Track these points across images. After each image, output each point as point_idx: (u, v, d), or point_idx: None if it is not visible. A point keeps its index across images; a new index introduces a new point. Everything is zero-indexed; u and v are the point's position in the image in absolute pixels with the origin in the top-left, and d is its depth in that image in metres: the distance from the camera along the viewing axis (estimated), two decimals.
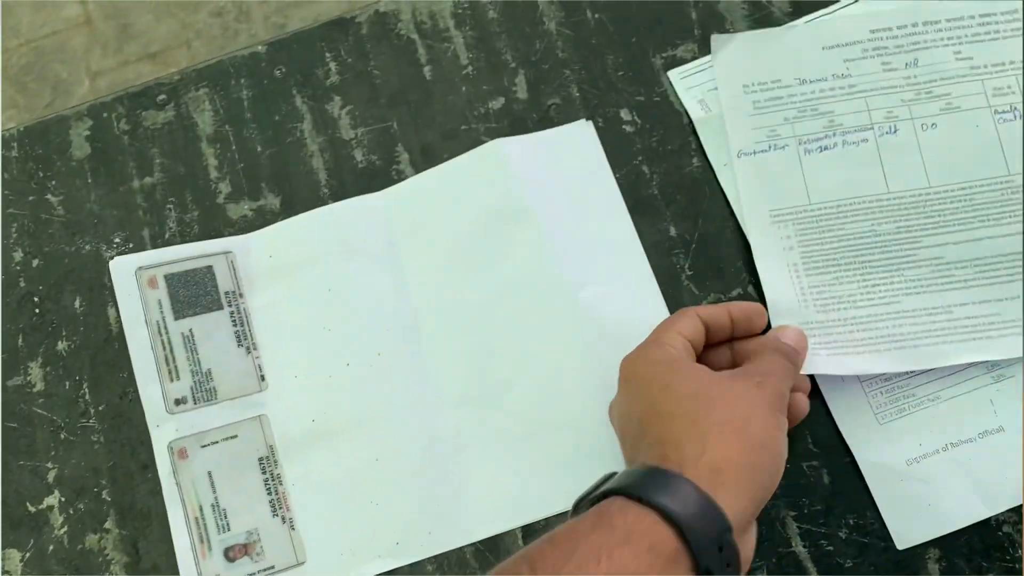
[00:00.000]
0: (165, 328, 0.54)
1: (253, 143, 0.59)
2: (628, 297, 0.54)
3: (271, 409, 0.53)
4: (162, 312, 0.54)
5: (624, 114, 0.57)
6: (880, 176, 0.54)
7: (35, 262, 0.58)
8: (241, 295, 0.55)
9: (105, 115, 0.61)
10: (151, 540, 0.52)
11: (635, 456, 0.42)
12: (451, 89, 0.59)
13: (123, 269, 0.54)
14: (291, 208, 0.57)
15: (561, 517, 0.51)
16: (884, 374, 0.51)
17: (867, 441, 0.50)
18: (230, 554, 0.51)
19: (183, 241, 0.57)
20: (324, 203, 0.57)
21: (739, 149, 0.55)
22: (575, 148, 0.57)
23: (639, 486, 0.38)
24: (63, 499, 0.53)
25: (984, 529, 0.49)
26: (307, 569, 0.51)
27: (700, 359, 0.47)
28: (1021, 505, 0.49)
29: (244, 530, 0.51)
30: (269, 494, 0.52)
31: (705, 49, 0.58)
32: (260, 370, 0.54)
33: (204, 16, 1.57)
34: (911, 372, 0.51)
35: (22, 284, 0.57)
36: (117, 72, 1.57)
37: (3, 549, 0.53)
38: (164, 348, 0.53)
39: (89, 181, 0.59)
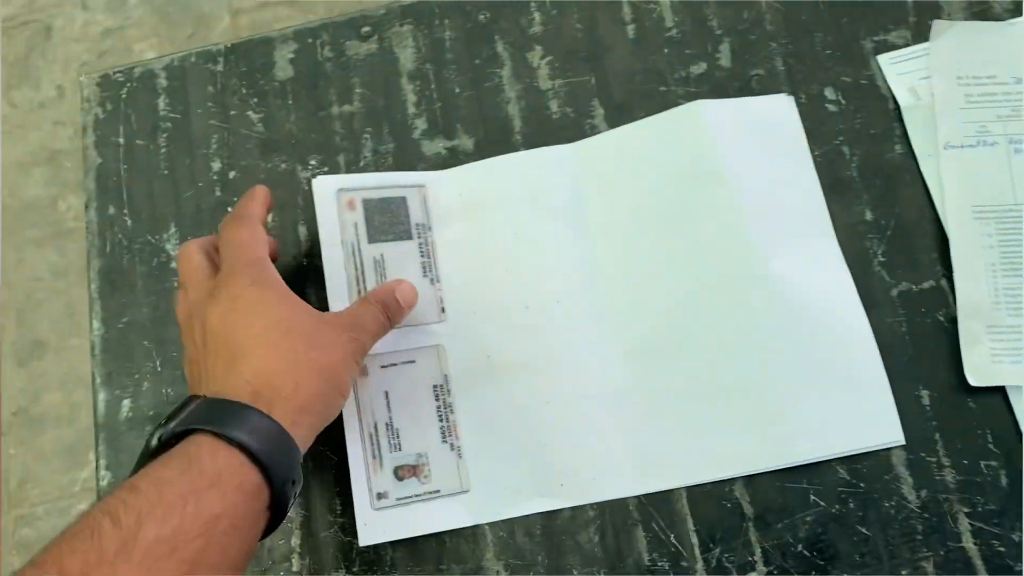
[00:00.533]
0: (359, 251, 0.55)
1: (452, 84, 0.60)
2: (817, 276, 0.53)
3: (448, 340, 0.54)
4: (357, 235, 0.55)
5: (829, 93, 0.57)
6: None
7: (232, 174, 0.60)
8: (430, 228, 0.56)
9: (310, 40, 0.62)
10: (327, 449, 0.54)
11: (221, 379, 0.42)
12: (653, 50, 0.59)
13: (325, 189, 0.56)
14: (483, 151, 0.58)
15: (726, 483, 0.51)
16: None
17: None
18: (399, 472, 0.52)
19: (376, 171, 0.59)
20: (516, 150, 0.58)
21: (947, 141, 0.54)
22: (775, 120, 0.56)
23: (228, 424, 0.39)
24: None
25: None
26: (470, 497, 0.52)
27: None
28: None
29: (414, 452, 0.52)
30: (440, 421, 0.53)
31: (918, 37, 0.57)
32: (441, 302, 0.55)
33: None
34: None
35: (218, 193, 0.60)
36: (257, 13, 1.60)
37: None
38: (356, 269, 0.55)
39: (290, 103, 0.61)
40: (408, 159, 0.59)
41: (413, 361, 0.54)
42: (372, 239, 0.56)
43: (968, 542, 0.49)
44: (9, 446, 1.38)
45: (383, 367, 0.54)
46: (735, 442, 0.51)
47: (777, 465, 0.51)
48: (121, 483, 0.38)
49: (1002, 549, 0.49)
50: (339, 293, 0.55)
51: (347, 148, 0.60)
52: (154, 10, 1.61)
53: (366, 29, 0.62)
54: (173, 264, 0.58)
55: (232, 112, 0.61)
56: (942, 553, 0.49)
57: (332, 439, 0.52)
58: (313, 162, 0.59)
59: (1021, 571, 0.48)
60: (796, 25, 0.59)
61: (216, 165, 0.60)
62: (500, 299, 0.55)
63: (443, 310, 0.55)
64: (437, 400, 0.54)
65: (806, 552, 0.50)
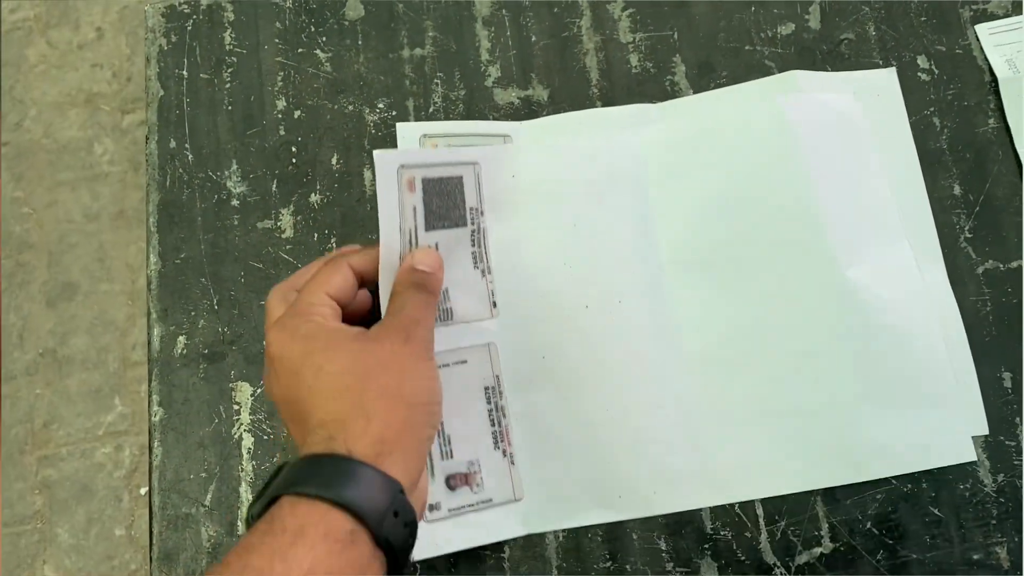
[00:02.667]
0: (416, 239, 0.50)
1: (528, 32, 0.58)
2: (904, 282, 0.51)
3: (501, 338, 0.51)
4: (416, 221, 0.50)
5: (921, 61, 0.55)
6: None
7: (297, 113, 0.59)
8: (482, 213, 0.51)
9: None
10: None
11: (305, 440, 0.41)
12: (740, 7, 0.57)
13: (386, 164, 0.50)
14: (558, 102, 0.57)
15: (797, 496, 0.50)
16: None
17: None
18: (451, 482, 0.49)
19: (446, 118, 0.57)
20: (592, 103, 0.57)
21: None
22: (875, 100, 0.54)
23: (304, 482, 0.38)
24: None
25: None
26: (524, 507, 0.50)
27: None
28: None
29: (466, 459, 0.49)
30: (493, 425, 0.50)
31: (1019, 7, 0.55)
32: (492, 296, 0.51)
33: None
34: None
35: (282, 132, 0.58)
36: None
37: (236, 381, 0.54)
38: None
39: (359, 43, 0.59)
40: (479, 107, 0.57)
41: (465, 361, 0.50)
42: (429, 226, 0.50)
43: None
44: (36, 386, 1.38)
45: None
46: (804, 460, 0.49)
47: (846, 481, 0.49)
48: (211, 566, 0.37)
49: None
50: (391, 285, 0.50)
51: (417, 92, 0.58)
52: None
53: None
54: (235, 202, 0.57)
55: (300, 50, 0.60)
56: (1016, 540, 0.48)
57: None
58: (381, 105, 0.58)
59: None
60: None
61: (281, 103, 0.59)
62: (557, 295, 0.51)
63: (495, 304, 0.51)
64: (489, 403, 0.50)
65: (875, 529, 0.49)
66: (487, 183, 0.51)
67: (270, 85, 0.59)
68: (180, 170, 0.58)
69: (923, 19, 0.56)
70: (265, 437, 0.53)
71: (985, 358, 0.50)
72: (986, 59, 0.54)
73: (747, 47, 0.57)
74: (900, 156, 0.53)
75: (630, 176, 0.53)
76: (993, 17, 0.55)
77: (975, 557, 0.48)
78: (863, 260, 0.50)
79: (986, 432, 0.49)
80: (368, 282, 0.48)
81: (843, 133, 0.53)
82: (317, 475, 0.38)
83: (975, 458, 0.49)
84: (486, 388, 0.50)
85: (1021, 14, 0.55)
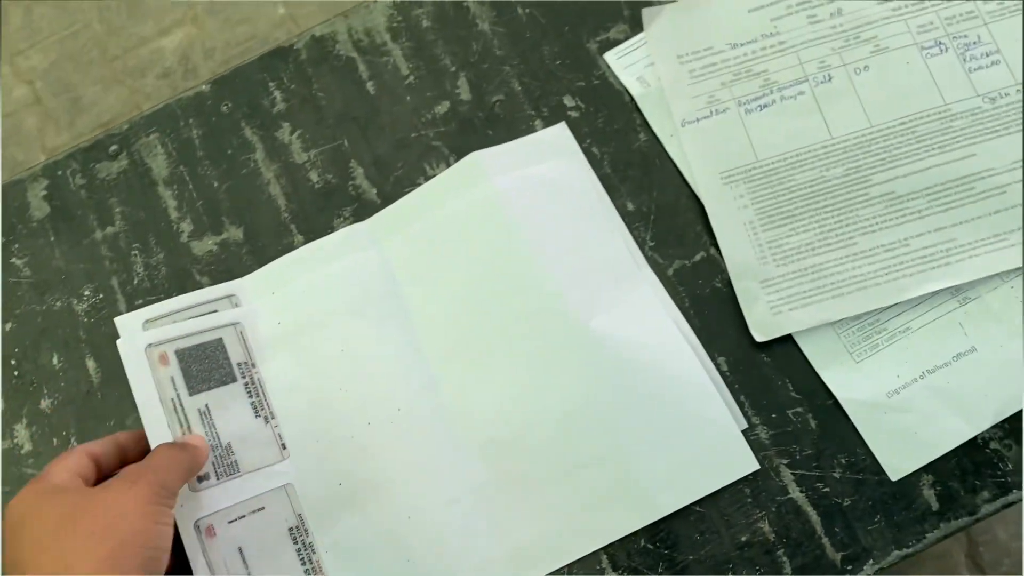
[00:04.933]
0: (181, 405, 0.52)
1: (209, 179, 0.60)
2: (639, 325, 0.53)
3: (296, 477, 0.51)
4: (176, 389, 0.52)
5: (567, 100, 0.59)
6: (822, 124, 0.55)
7: (8, 326, 0.58)
8: (254, 365, 0.53)
9: (60, 173, 0.61)
10: None
11: None
12: (396, 100, 0.60)
13: (131, 345, 0.52)
14: (255, 237, 0.58)
15: (596, 555, 0.51)
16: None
17: (846, 380, 0.51)
18: None
19: (152, 286, 0.58)
20: (286, 228, 0.58)
21: (682, 118, 0.56)
22: (555, 156, 0.57)
23: None
24: None
25: (972, 448, 0.50)
26: None
27: None
28: (1004, 421, 0.50)
29: None
30: (303, 564, 0.50)
31: (636, 28, 0.59)
32: (280, 439, 0.52)
33: (151, 79, 1.58)
34: (879, 308, 0.52)
35: None
36: (73, 146, 1.57)
37: None
38: (181, 425, 0.51)
39: (52, 239, 0.60)
40: (181, 264, 0.58)
41: (263, 508, 0.51)
42: (193, 390, 0.52)
43: (795, 491, 0.50)
44: None
45: (230, 522, 0.50)
46: (600, 513, 0.50)
47: (643, 524, 0.50)
48: None
49: (827, 489, 0.50)
50: None
51: (118, 269, 0.58)
52: None
53: (113, 148, 0.61)
54: None
55: None
56: (774, 509, 0.50)
57: None
58: (87, 292, 0.58)
59: (844, 506, 0.50)
60: (523, 43, 0.60)
61: None
62: (341, 422, 0.53)
63: (284, 447, 0.52)
64: (296, 543, 0.50)
65: (648, 545, 0.50)
66: (252, 336, 0.54)
67: None
68: None
69: (558, 63, 0.60)
70: None
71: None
72: (621, 82, 0.58)
73: (412, 134, 0.59)
74: (604, 228, 0.55)
75: (381, 290, 0.55)
76: (616, 43, 0.59)
77: (743, 539, 0.50)
78: (602, 309, 0.53)
79: (745, 426, 0.52)
80: (108, 463, 0.48)
81: (553, 198, 0.56)
82: None
83: (758, 467, 0.51)
84: (290, 529, 0.51)
85: (639, 33, 0.59)
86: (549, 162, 0.57)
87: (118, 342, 0.52)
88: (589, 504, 0.51)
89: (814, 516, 0.50)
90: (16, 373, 0.57)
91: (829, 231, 0.53)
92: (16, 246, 0.60)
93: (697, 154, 0.56)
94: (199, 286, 0.57)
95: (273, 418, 0.53)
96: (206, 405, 0.52)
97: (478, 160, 0.57)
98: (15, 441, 0.56)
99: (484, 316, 0.54)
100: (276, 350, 0.54)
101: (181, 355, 0.52)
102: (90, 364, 0.57)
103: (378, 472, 0.52)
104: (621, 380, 0.52)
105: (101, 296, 0.58)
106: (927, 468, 0.50)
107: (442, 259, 0.55)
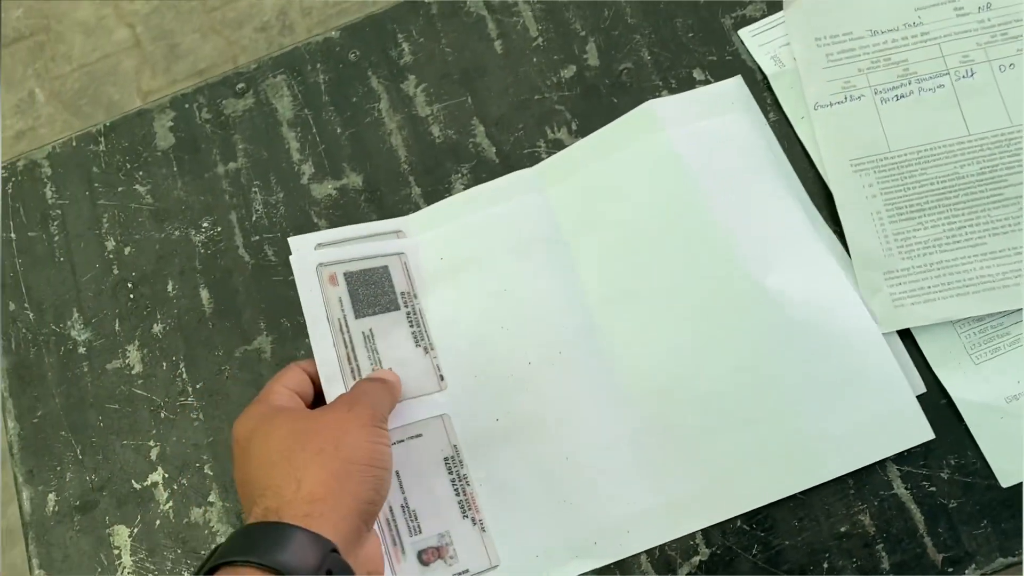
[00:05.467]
0: (346, 326, 0.53)
1: (332, 125, 0.61)
2: (816, 285, 0.52)
3: (452, 408, 0.52)
4: (343, 310, 0.53)
5: (697, 74, 0.58)
6: (959, 119, 0.54)
7: (127, 250, 0.60)
8: (416, 296, 0.55)
9: (187, 106, 0.62)
10: None
11: (250, 513, 0.43)
12: (522, 61, 0.60)
13: (304, 263, 0.54)
14: (372, 185, 0.59)
15: (759, 512, 0.50)
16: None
17: (963, 381, 0.50)
18: (424, 557, 0.50)
19: (270, 224, 0.59)
20: (405, 179, 0.58)
21: (815, 102, 0.55)
22: (732, 110, 0.56)
23: (236, 551, 0.39)
24: (167, 475, 0.55)
25: None
26: (502, 571, 0.50)
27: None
28: None
29: (436, 532, 0.50)
30: (457, 495, 0.51)
31: (774, 6, 0.59)
32: (439, 370, 0.53)
33: (249, 32, 1.61)
34: (1004, 311, 0.51)
35: (115, 271, 0.59)
36: (167, 91, 1.60)
37: (112, 526, 0.54)
38: (346, 347, 0.53)
39: (175, 169, 0.61)
40: (300, 205, 0.59)
41: (420, 435, 0.52)
42: (359, 314, 0.54)
43: (899, 488, 0.49)
44: None
45: (392, 444, 0.50)
46: (762, 471, 0.50)
47: (807, 486, 0.50)
48: None
49: (933, 489, 0.49)
50: (331, 370, 0.52)
51: (237, 204, 0.59)
52: (64, 106, 1.61)
53: (241, 86, 0.62)
54: (81, 349, 0.58)
55: (119, 188, 0.61)
56: (876, 503, 0.49)
57: None
58: (205, 224, 0.59)
59: (950, 507, 0.49)
60: (656, 13, 0.60)
61: (110, 244, 0.60)
62: (500, 359, 0.53)
63: (442, 378, 0.53)
64: (451, 473, 0.51)
65: (745, 527, 0.50)
66: (415, 268, 0.55)
67: (97, 229, 0.60)
68: (24, 330, 0.59)
69: (691, 35, 0.59)
70: (150, 575, 0.53)
71: None
72: (754, 60, 0.58)
73: (536, 96, 0.59)
74: (778, 183, 0.55)
75: (545, 235, 0.55)
76: (752, 20, 0.59)
77: (842, 529, 0.49)
78: (778, 267, 0.52)
79: (923, 390, 0.50)
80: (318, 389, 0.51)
81: (730, 153, 0.55)
82: (249, 543, 0.39)
83: (932, 436, 0.49)
84: (445, 459, 0.52)
85: (777, 12, 0.58)
86: (726, 115, 0.56)
87: (291, 258, 0.54)
88: (754, 461, 0.50)
89: (918, 515, 0.49)
90: (132, 296, 0.59)
91: (959, 228, 0.52)
92: (140, 173, 0.61)
93: (828, 139, 0.55)
94: (316, 228, 0.58)
95: (432, 349, 0.54)
96: (370, 330, 0.53)
97: (653, 109, 0.56)
98: (126, 361, 0.57)
99: (652, 267, 0.53)
100: (437, 284, 0.55)
101: (349, 278, 0.54)
102: (203, 294, 0.58)
103: (537, 411, 0.52)
104: (794, 340, 0.51)
105: (219, 229, 0.59)
106: None
107: (611, 207, 0.55)
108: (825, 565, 0.49)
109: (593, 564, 0.50)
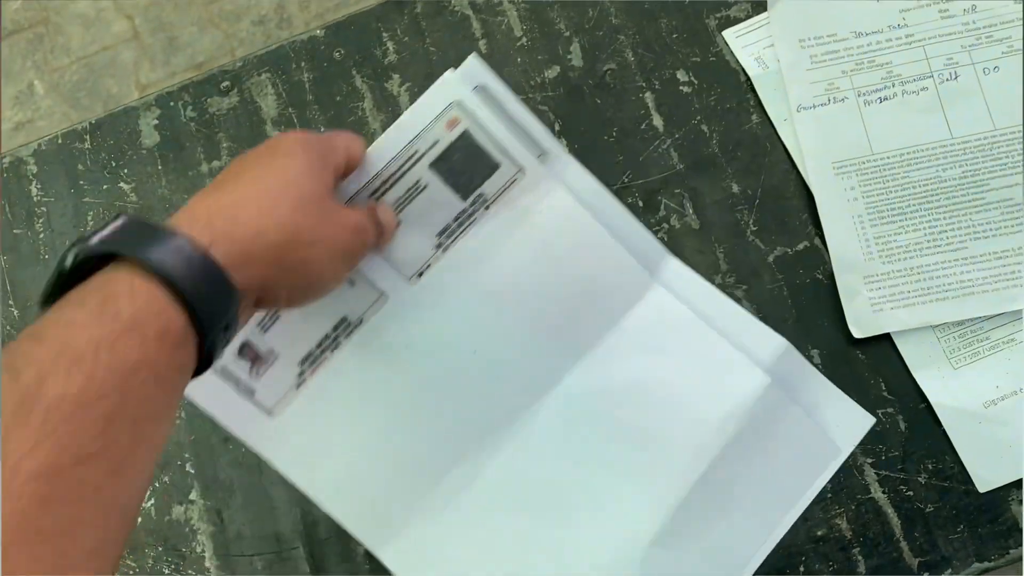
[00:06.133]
0: (413, 163, 0.47)
1: (316, 124, 0.60)
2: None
3: (394, 300, 0.48)
4: (427, 151, 0.47)
5: (681, 75, 0.58)
6: (943, 122, 0.53)
7: None
8: (486, 207, 0.48)
9: (172, 104, 0.62)
10: (234, 509, 0.54)
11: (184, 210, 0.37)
12: (507, 61, 0.60)
13: (445, 88, 0.47)
14: None
15: None
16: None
17: (942, 386, 0.50)
18: (244, 350, 0.46)
19: None
20: None
21: (798, 103, 0.55)
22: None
23: (151, 248, 0.32)
24: None
25: None
26: (271, 425, 0.47)
27: None
28: None
29: (272, 346, 0.47)
30: (316, 347, 0.47)
31: (758, 8, 0.58)
32: (427, 267, 0.49)
33: (247, 25, 1.61)
34: (983, 316, 0.51)
35: None
36: (165, 83, 1.60)
37: None
38: (394, 174, 0.47)
39: (159, 168, 0.61)
40: None
41: (353, 283, 0.47)
42: (433, 166, 0.47)
43: (877, 492, 0.50)
44: None
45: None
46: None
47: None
48: (26, 328, 0.31)
49: (910, 493, 0.49)
50: (364, 169, 0.46)
51: None
52: (63, 98, 1.61)
53: (225, 84, 0.62)
54: None
55: (104, 186, 0.61)
56: (853, 507, 0.49)
57: None
58: None
59: (927, 512, 0.49)
60: (640, 14, 0.60)
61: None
62: (468, 328, 0.49)
63: (420, 275, 0.48)
64: (333, 330, 0.47)
65: None
66: (508, 198, 0.48)
67: (82, 226, 0.60)
68: (8, 327, 0.59)
69: (675, 36, 0.59)
70: (132, 573, 0.53)
71: (792, 340, 0.52)
72: (738, 61, 0.57)
73: (520, 97, 0.59)
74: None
75: None
76: (736, 21, 0.58)
77: (819, 533, 0.49)
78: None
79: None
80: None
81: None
82: (164, 247, 0.33)
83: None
84: (343, 318, 0.48)
85: (762, 13, 0.58)
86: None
87: (444, 76, 0.47)
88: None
89: (895, 519, 0.49)
90: None
91: (940, 232, 0.52)
92: (125, 171, 0.61)
93: (810, 141, 0.54)
94: None
95: (443, 252, 0.49)
96: (426, 184, 0.47)
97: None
98: None
99: None
100: (502, 222, 0.49)
101: (463, 138, 0.47)
102: None
103: (424, 388, 0.49)
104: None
105: None
106: (1018, 483, 0.49)
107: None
108: (801, 568, 0.49)
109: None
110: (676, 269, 0.49)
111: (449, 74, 0.47)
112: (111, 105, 1.60)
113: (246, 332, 0.46)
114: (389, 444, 0.48)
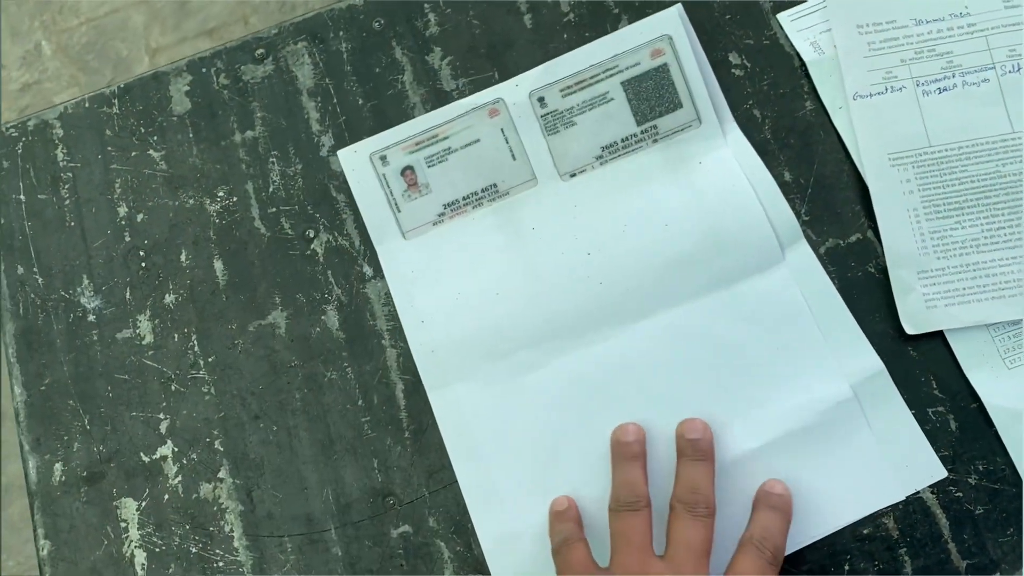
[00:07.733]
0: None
1: (354, 96, 0.59)
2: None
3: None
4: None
5: (733, 57, 0.56)
6: (1004, 115, 0.52)
7: (139, 217, 0.58)
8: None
9: (204, 70, 0.61)
10: (264, 489, 0.53)
11: None
12: (552, 37, 0.58)
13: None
14: None
15: None
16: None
17: (995, 385, 0.49)
18: (406, 173, 0.55)
19: (287, 196, 0.57)
20: None
21: (855, 91, 0.54)
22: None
23: None
24: (176, 449, 0.54)
25: None
26: None
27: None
28: None
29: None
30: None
31: None
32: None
33: None
34: None
35: (127, 239, 0.58)
36: (176, 48, 1.58)
37: (119, 498, 0.53)
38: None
39: (190, 136, 0.59)
40: (318, 177, 0.57)
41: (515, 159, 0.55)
42: (626, 84, 0.54)
43: (925, 492, 0.49)
44: None
45: None
46: None
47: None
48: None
49: (959, 494, 0.48)
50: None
51: (254, 175, 0.58)
52: (71, 60, 1.58)
53: (260, 51, 0.60)
54: (91, 317, 0.56)
55: (133, 153, 0.59)
56: (901, 507, 0.49)
57: None
58: (221, 193, 0.58)
59: (976, 514, 0.48)
60: None
61: (122, 210, 0.58)
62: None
63: (572, 176, 0.55)
64: (482, 191, 0.55)
65: None
66: (676, 140, 0.54)
67: (109, 194, 0.59)
68: (32, 295, 0.57)
69: (727, 17, 0.57)
70: (157, 550, 0.52)
71: None
72: (792, 45, 0.56)
73: None
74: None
75: None
76: (792, 4, 0.57)
77: (864, 531, 0.48)
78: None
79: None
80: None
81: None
82: None
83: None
84: (493, 184, 0.55)
85: None
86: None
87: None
88: None
89: (943, 520, 0.48)
90: (143, 265, 0.57)
91: (998, 229, 0.51)
92: (155, 138, 0.60)
93: (866, 131, 0.53)
94: (335, 202, 0.56)
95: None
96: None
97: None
98: (137, 331, 0.56)
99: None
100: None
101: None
102: (217, 265, 0.56)
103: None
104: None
105: (235, 199, 0.58)
106: None
107: None
108: (846, 567, 0.48)
109: None
110: (805, 255, 0.52)
111: (674, 9, 0.54)
112: (120, 69, 1.57)
113: (414, 159, 0.55)
114: (487, 304, 0.53)
